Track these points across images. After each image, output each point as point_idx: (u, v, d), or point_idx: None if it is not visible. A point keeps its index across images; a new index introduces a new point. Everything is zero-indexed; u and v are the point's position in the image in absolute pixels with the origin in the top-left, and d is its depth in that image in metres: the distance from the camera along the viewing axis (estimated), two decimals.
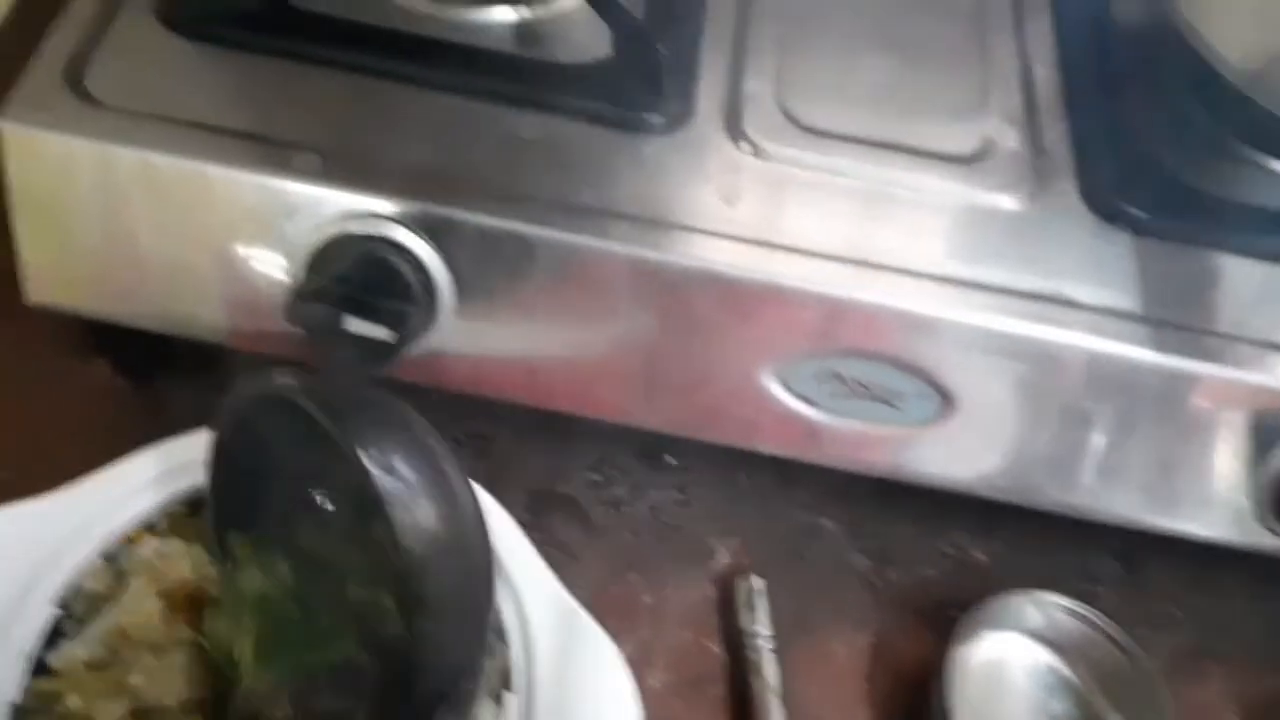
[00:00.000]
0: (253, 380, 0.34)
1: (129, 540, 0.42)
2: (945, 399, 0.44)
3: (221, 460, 0.36)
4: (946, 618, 0.46)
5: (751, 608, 0.46)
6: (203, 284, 0.46)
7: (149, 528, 0.43)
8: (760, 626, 0.46)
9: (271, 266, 0.44)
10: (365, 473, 0.28)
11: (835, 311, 0.42)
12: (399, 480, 0.28)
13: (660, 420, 0.46)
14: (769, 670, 0.45)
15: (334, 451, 0.29)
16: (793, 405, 0.44)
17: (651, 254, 0.42)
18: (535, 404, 0.47)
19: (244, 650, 0.35)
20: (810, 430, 0.45)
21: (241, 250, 0.44)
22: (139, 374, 0.51)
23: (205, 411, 0.47)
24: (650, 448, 0.52)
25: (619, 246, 0.42)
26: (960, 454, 0.46)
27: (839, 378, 0.43)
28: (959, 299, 0.42)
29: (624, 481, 0.51)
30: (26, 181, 0.44)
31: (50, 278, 0.47)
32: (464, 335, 0.45)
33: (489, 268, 0.43)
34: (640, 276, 0.42)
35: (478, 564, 0.29)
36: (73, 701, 0.38)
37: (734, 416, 0.45)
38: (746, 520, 0.51)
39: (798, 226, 0.43)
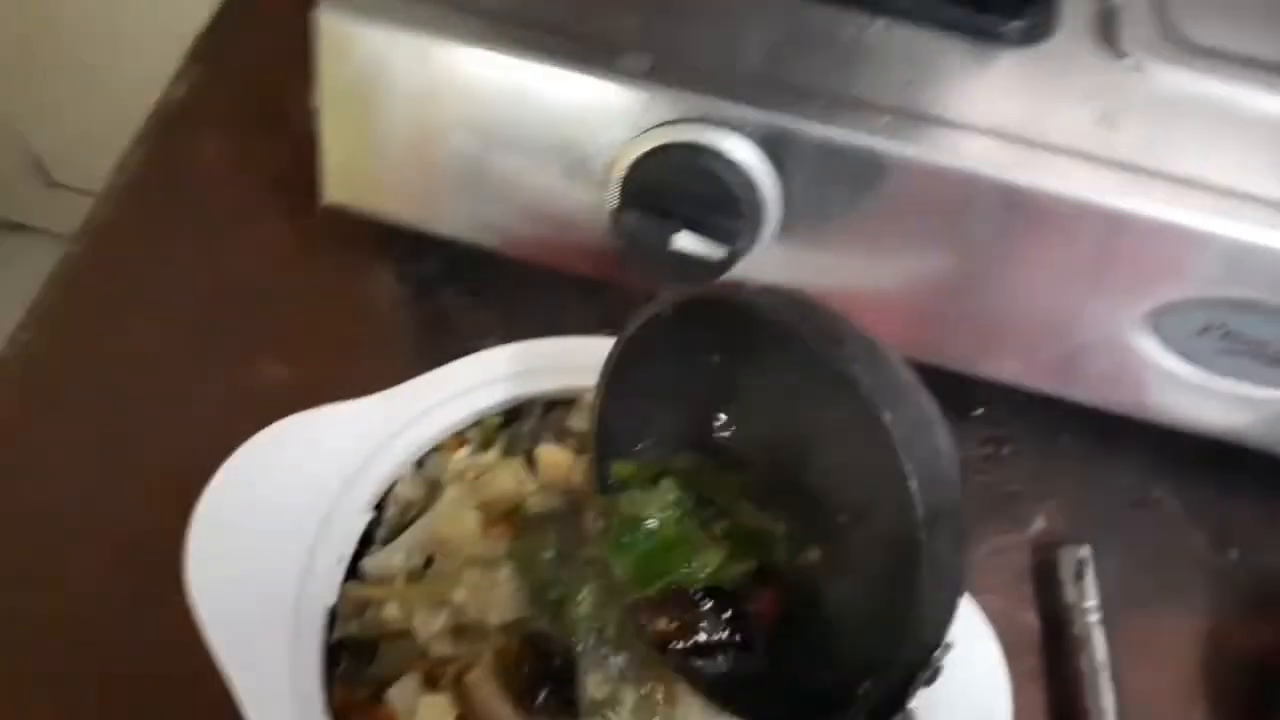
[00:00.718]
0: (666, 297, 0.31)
1: (440, 450, 0.41)
2: None
3: (616, 381, 0.33)
4: None
5: (1078, 578, 0.42)
6: (508, 190, 0.44)
7: (461, 438, 0.41)
8: (1088, 600, 0.42)
9: (585, 175, 0.42)
10: (856, 389, 0.24)
11: (1226, 255, 0.37)
12: (891, 401, 0.25)
13: (997, 369, 0.42)
14: (1097, 646, 0.41)
15: (777, 368, 0.26)
16: (1164, 360, 0.39)
17: (1020, 179, 0.37)
18: None
19: (602, 574, 0.33)
20: (1178, 389, 0.40)
21: (555, 154, 0.42)
22: (423, 284, 0.50)
23: (487, 327, 0.45)
24: (956, 396, 0.47)
25: (979, 169, 0.38)
26: None
27: (1223, 331, 0.38)
28: None
29: None
30: (339, 77, 0.43)
31: (351, 178, 0.46)
32: (779, 259, 0.41)
33: (823, 184, 0.39)
34: (1003, 204, 0.38)
35: (955, 499, 0.26)
36: (391, 611, 0.37)
37: (1089, 369, 0.40)
38: (1066, 484, 0.46)
39: (1185, 155, 0.38)
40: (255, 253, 0.52)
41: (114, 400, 0.47)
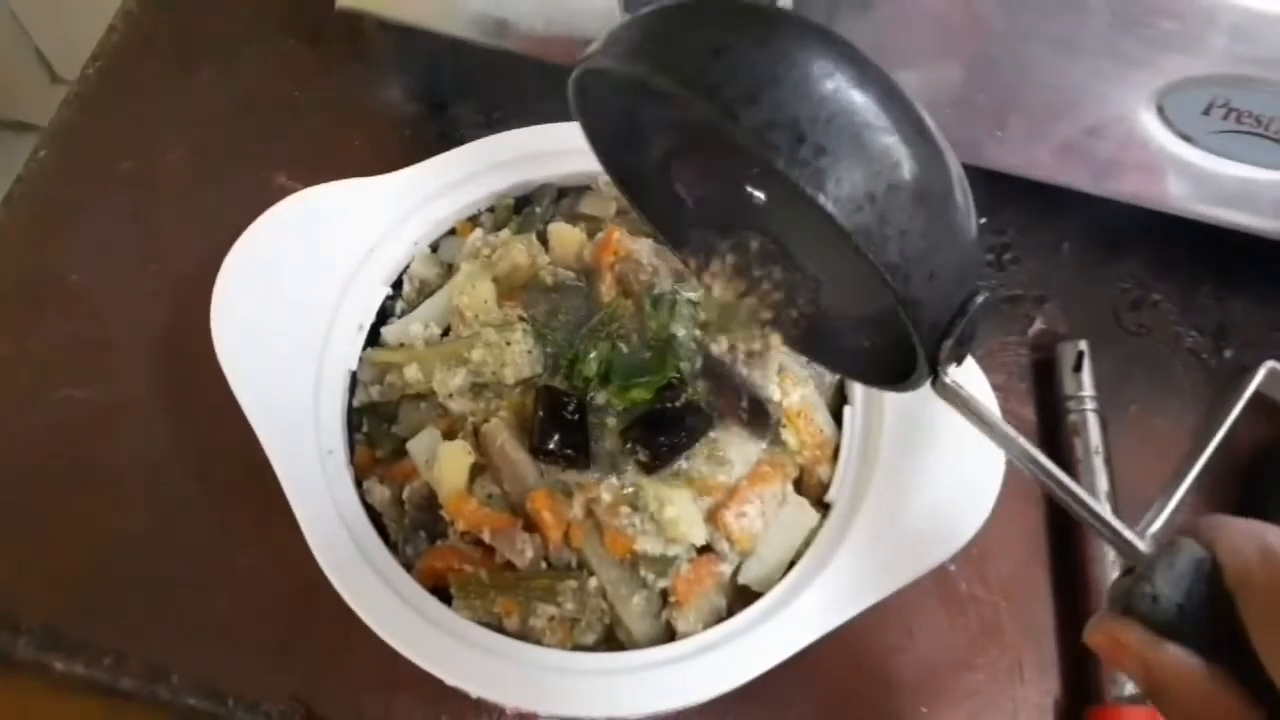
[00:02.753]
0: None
1: (454, 234, 0.42)
2: None
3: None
4: None
5: (1076, 370, 0.43)
6: None
7: (474, 222, 0.42)
8: (1085, 389, 0.43)
9: None
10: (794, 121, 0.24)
11: (1234, 25, 0.37)
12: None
13: (1004, 157, 0.42)
14: (1093, 432, 0.42)
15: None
16: (1168, 143, 0.40)
17: None
18: None
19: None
20: (1182, 174, 0.40)
21: None
22: (433, 101, 0.51)
23: None
24: None
25: None
26: None
27: (1226, 109, 0.38)
28: None
29: None
30: None
31: None
32: None
33: None
34: None
35: (952, 189, 0.26)
36: (411, 372, 0.38)
37: (1096, 155, 0.41)
38: (1067, 287, 0.47)
39: None
40: (269, 74, 0.52)
41: (135, 213, 0.48)
